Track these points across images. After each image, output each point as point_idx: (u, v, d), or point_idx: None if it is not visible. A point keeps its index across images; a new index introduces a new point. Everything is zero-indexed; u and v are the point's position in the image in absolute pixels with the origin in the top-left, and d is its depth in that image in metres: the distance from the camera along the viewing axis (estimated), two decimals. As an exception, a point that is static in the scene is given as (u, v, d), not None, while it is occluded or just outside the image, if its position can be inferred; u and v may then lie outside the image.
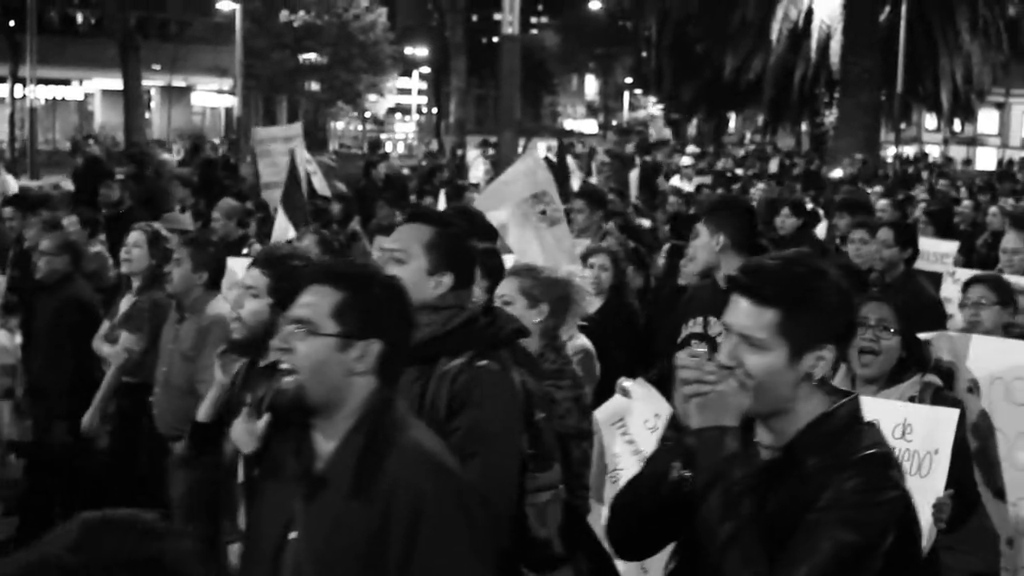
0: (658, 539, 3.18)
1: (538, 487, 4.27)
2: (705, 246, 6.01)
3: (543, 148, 36.24)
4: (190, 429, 5.16)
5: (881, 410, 4.55)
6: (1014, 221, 10.90)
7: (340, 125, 72.78)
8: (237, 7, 47.43)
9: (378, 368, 3.06)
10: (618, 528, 3.30)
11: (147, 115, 49.49)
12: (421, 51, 75.19)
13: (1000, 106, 63.16)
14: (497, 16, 21.35)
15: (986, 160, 59.14)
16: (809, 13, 40.47)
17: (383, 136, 63.13)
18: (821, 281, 2.92)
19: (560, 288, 5.33)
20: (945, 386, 5.16)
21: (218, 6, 50.85)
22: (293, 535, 3.02)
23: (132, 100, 37.96)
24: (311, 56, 56.36)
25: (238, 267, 7.02)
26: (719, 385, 2.87)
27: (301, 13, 56.02)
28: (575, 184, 19.92)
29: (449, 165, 27.74)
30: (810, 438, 2.90)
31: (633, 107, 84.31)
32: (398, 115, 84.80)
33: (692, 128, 63.71)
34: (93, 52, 47.17)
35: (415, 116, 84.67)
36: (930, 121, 57.03)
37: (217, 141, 42.94)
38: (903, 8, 36.95)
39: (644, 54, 68.07)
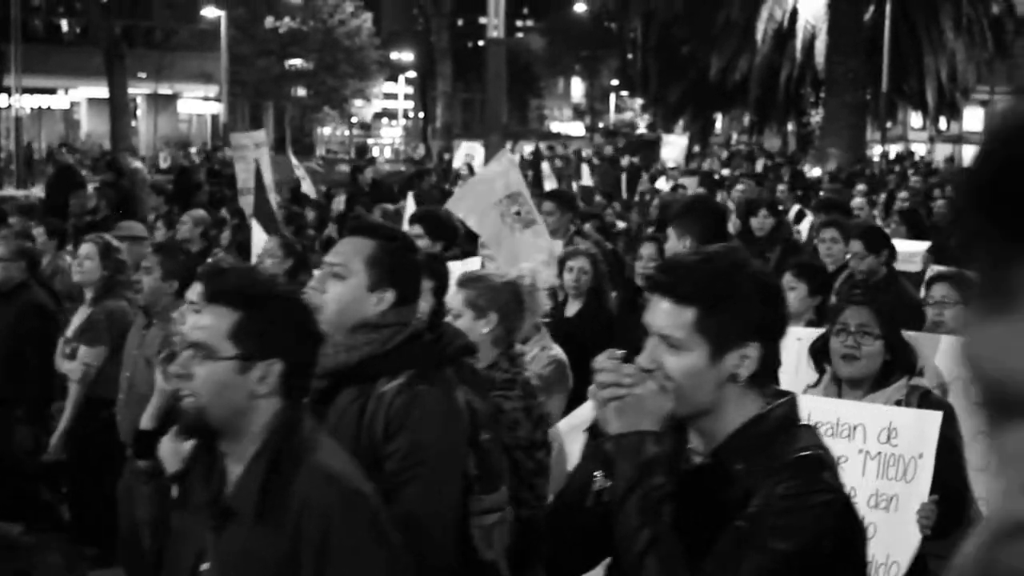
0: (591, 555, 3.01)
1: (484, 509, 4.18)
2: (673, 249, 6.08)
3: (527, 151, 36.38)
4: (133, 436, 5.07)
5: (866, 415, 4.53)
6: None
7: (327, 131, 72.78)
8: (222, 14, 47.47)
9: (282, 388, 2.96)
10: (550, 545, 3.16)
11: (133, 123, 49.41)
12: (407, 56, 75.25)
13: (985, 104, 63.36)
14: (482, 20, 21.40)
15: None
16: (794, 13, 40.55)
17: (370, 141, 63.12)
18: (740, 277, 2.79)
19: (507, 294, 5.20)
20: None
21: (203, 13, 50.88)
22: (205, 566, 2.94)
23: (118, 108, 37.90)
24: (297, 62, 56.39)
25: None
26: (636, 389, 2.75)
27: (286, 19, 56.06)
28: (548, 188, 20.01)
29: (436, 169, 27.73)
30: (739, 441, 2.78)
31: (619, 109, 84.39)
32: (385, 120, 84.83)
33: (679, 129, 63.78)
34: (78, 60, 47.10)
35: (402, 121, 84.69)
36: (916, 120, 57.19)
37: (194, 149, 42.95)
38: (887, 7, 37.05)
39: (630, 56, 68.12)
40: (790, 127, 49.58)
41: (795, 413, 2.86)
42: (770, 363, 2.84)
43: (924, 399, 4.77)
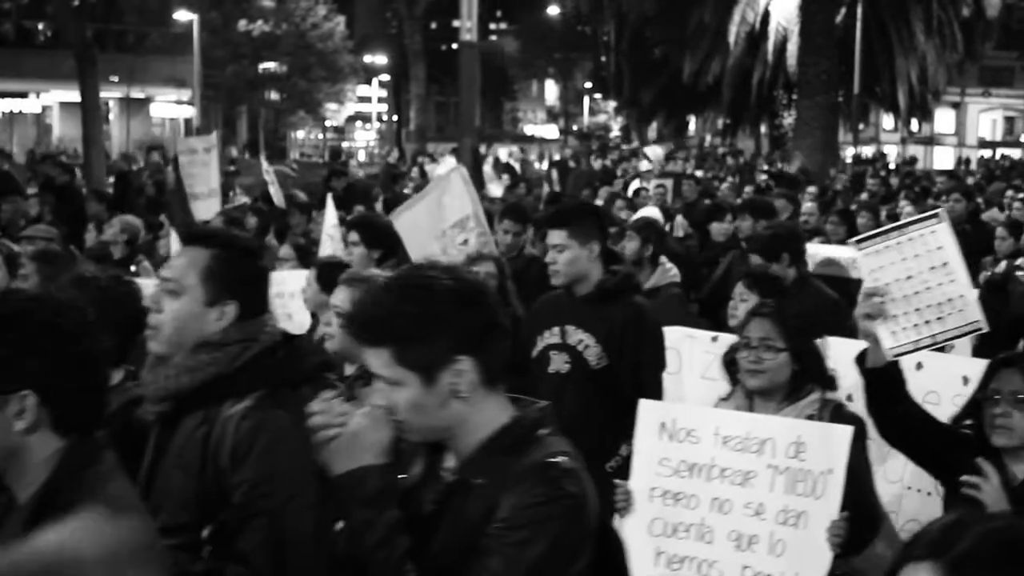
0: None
1: None
2: (579, 257, 6.09)
3: (504, 153, 36.39)
4: None
5: (776, 429, 4.41)
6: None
7: (300, 134, 72.62)
8: (195, 18, 47.30)
9: (48, 422, 2.64)
10: None
11: (105, 127, 49.17)
12: (380, 59, 75.13)
13: (956, 106, 63.80)
14: (456, 23, 21.39)
15: (944, 159, 59.76)
16: (766, 16, 40.69)
17: (344, 144, 63.02)
18: (427, 298, 2.73)
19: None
20: None
21: (175, 16, 50.64)
22: None
23: (90, 112, 37.67)
24: (270, 65, 56.25)
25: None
26: (350, 426, 2.74)
27: (259, 23, 55.90)
28: (496, 191, 20.05)
29: (409, 172, 27.71)
30: (481, 456, 2.76)
31: (593, 111, 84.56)
32: (358, 123, 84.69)
33: (652, 131, 63.93)
34: (50, 64, 46.78)
35: (375, 124, 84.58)
36: (887, 121, 57.49)
37: (139, 155, 42.53)
38: (859, 10, 37.24)
39: (603, 58, 68.36)
40: (763, 129, 49.77)
41: (541, 422, 2.83)
42: (493, 368, 2.79)
43: (837, 413, 4.71)
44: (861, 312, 4.48)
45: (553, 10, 74.22)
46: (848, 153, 41.98)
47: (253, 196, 18.00)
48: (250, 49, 54.42)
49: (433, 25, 72.21)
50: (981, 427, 4.37)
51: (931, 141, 62.74)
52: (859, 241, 4.64)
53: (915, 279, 4.47)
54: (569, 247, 6.05)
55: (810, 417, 4.64)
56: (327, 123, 69.52)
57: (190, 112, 53.39)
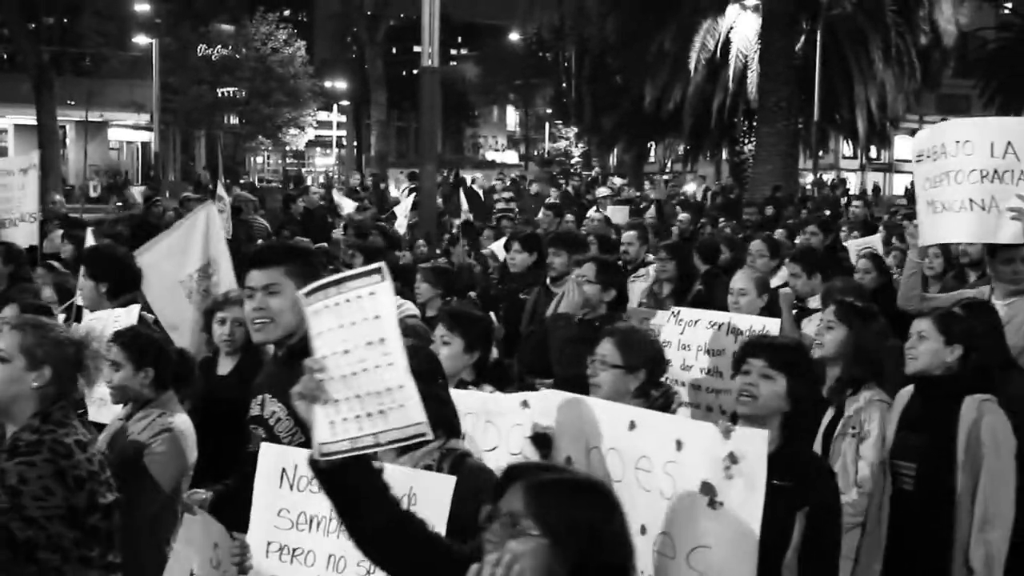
0: None
1: None
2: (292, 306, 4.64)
3: (467, 178, 36.25)
4: None
5: (389, 477, 3.64)
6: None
7: (260, 159, 72.32)
8: (154, 42, 47.04)
9: None
10: None
11: (62, 151, 48.78)
12: (340, 84, 75.00)
13: (915, 133, 64.22)
14: (416, 48, 21.28)
15: (903, 185, 60.21)
16: (726, 43, 40.84)
17: (304, 170, 62.77)
18: None
19: (70, 350, 4.64)
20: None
21: (134, 40, 50.37)
22: None
23: (47, 136, 37.44)
24: (229, 90, 55.98)
25: None
26: None
27: (219, 47, 55.66)
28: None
29: (370, 197, 27.57)
30: None
31: (554, 138, 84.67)
32: (318, 149, 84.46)
33: (613, 158, 64.06)
34: (6, 87, 46.48)
35: (336, 149, 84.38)
36: (847, 148, 57.85)
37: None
38: (818, 38, 37.44)
39: (564, 85, 68.41)
40: (724, 155, 49.92)
41: None
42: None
43: (458, 463, 4.25)
44: (295, 391, 3.45)
45: (514, 36, 74.31)
46: (808, 180, 42.15)
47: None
48: (209, 74, 54.15)
49: (394, 50, 72.24)
50: None
51: (890, 168, 63.21)
52: (307, 294, 3.51)
53: (352, 355, 3.41)
54: (284, 289, 4.70)
55: (428, 467, 4.19)
56: (287, 148, 69.28)
57: (148, 136, 53.04)
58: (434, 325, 7.29)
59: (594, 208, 22.20)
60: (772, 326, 7.04)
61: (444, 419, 4.30)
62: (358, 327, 3.38)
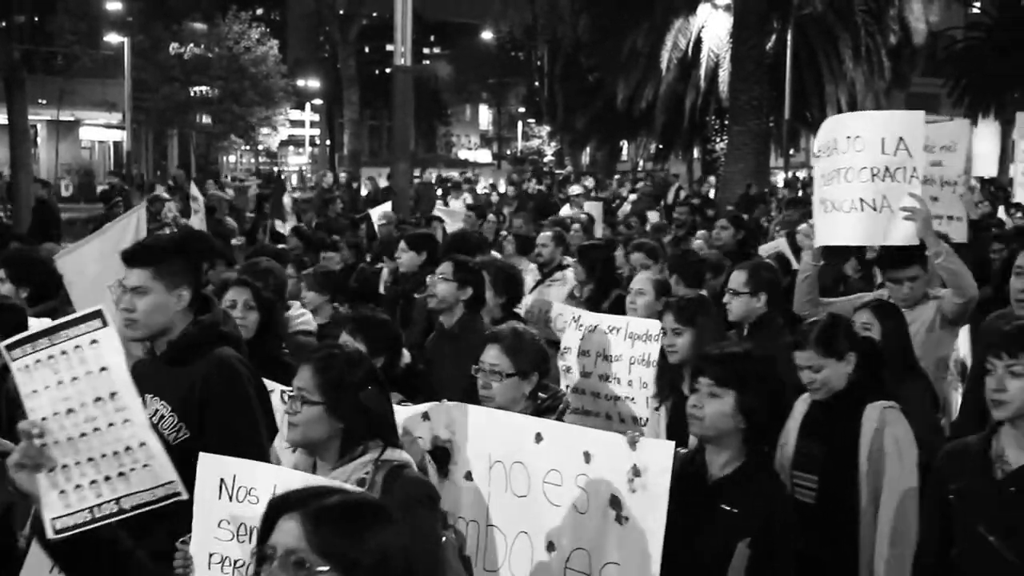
0: None
1: None
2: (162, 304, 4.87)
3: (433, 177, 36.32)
4: None
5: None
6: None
7: (232, 158, 72.11)
8: (125, 40, 46.87)
9: None
10: None
11: (33, 150, 48.52)
12: (313, 83, 74.89)
13: (884, 131, 64.59)
14: (389, 47, 21.35)
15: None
16: (698, 42, 41.06)
17: (276, 169, 62.61)
18: None
19: None
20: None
21: (106, 39, 50.17)
22: None
23: (17, 135, 37.22)
24: (202, 89, 55.80)
25: None
26: None
27: (191, 46, 55.48)
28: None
29: (343, 196, 27.59)
30: None
31: (527, 136, 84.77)
32: (291, 148, 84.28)
33: (586, 156, 64.22)
34: (-24, 87, 46.12)
35: (308, 148, 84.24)
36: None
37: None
38: (788, 37, 37.66)
39: (536, 83, 68.57)
40: (695, 154, 50.12)
41: None
42: None
43: (393, 475, 4.09)
44: (11, 462, 3.14)
45: (487, 35, 74.40)
46: (779, 178, 42.39)
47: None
48: (181, 72, 53.96)
49: (367, 49, 72.17)
50: None
51: (860, 166, 63.47)
52: (9, 347, 3.22)
53: (79, 414, 3.13)
54: (152, 290, 4.80)
55: (360, 481, 4.02)
56: (260, 147, 69.13)
57: (120, 135, 52.84)
58: (326, 332, 7.16)
59: (567, 205, 22.32)
60: (655, 329, 6.55)
61: (379, 429, 4.14)
62: (81, 382, 3.14)
